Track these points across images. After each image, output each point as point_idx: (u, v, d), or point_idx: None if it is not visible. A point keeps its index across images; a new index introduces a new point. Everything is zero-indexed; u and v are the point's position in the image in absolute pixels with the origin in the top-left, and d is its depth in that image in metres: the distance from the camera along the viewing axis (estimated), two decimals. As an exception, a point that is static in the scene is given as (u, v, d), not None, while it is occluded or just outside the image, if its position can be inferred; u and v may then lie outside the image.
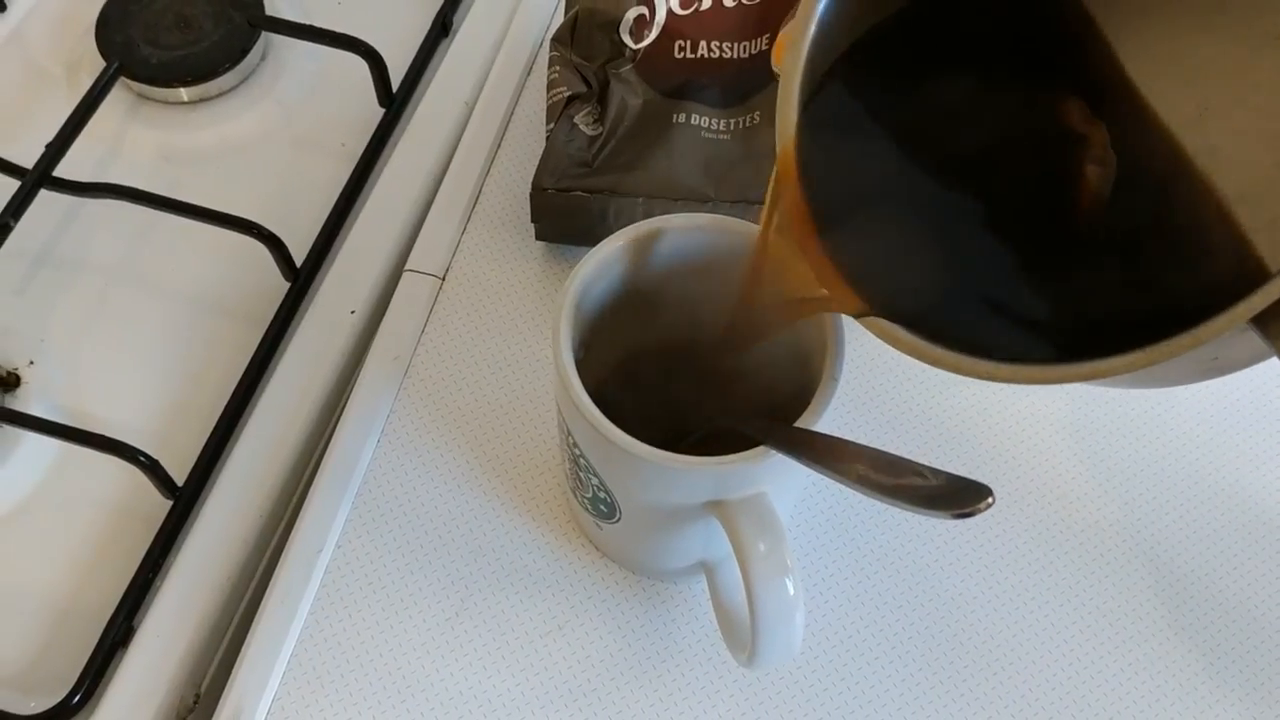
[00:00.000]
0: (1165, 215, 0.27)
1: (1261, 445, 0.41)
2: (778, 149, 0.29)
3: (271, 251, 0.45)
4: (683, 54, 0.45)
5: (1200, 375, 0.24)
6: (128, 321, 0.46)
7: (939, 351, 0.26)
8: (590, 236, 0.41)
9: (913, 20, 0.30)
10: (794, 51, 0.29)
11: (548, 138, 0.44)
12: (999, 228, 0.29)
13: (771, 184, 0.29)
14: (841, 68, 0.30)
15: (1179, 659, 0.37)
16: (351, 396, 0.42)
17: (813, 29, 0.29)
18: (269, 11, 0.52)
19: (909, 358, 0.26)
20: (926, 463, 0.26)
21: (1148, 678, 0.37)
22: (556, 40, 0.46)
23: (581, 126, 0.44)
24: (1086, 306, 0.27)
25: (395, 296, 0.45)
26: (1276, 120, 0.26)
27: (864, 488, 0.25)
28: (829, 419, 0.31)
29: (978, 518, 0.37)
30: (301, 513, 0.40)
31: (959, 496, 0.23)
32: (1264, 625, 0.38)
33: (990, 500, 0.22)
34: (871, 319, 0.27)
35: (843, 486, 0.35)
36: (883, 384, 0.42)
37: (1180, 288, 0.25)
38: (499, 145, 0.49)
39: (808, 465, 0.28)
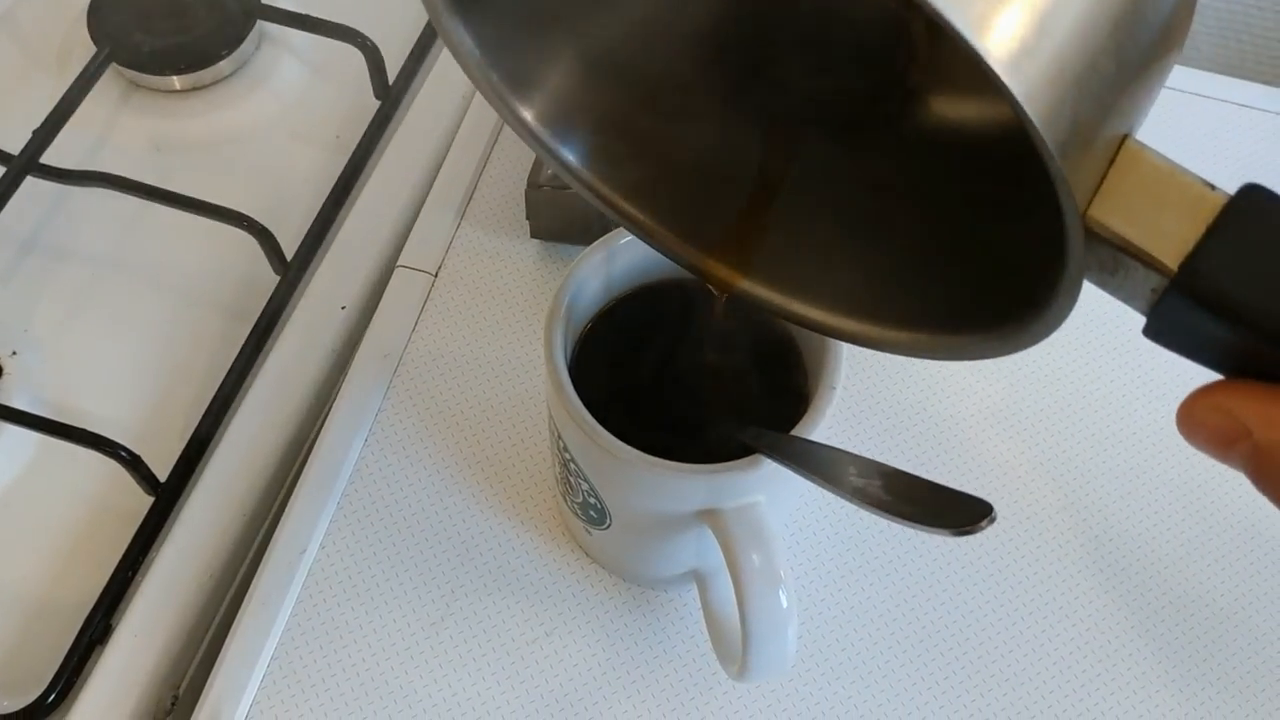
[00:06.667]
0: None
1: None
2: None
3: (261, 244, 0.44)
4: (684, 51, 0.44)
5: None
6: (114, 313, 0.45)
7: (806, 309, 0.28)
8: (586, 235, 0.41)
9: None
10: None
11: (545, 134, 0.43)
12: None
13: None
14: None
15: (1179, 676, 0.37)
16: (340, 394, 0.41)
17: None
18: (265, 0, 0.52)
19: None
20: (925, 472, 0.25)
21: (1145, 694, 0.36)
22: (556, 35, 0.46)
23: (579, 123, 0.43)
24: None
25: (387, 292, 0.44)
26: None
27: (862, 502, 0.24)
28: (826, 427, 0.30)
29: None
30: (285, 512, 0.39)
31: (959, 513, 0.22)
32: (1267, 641, 0.37)
33: (991, 518, 0.22)
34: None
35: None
36: (881, 392, 0.41)
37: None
38: (495, 140, 0.48)
39: (804, 476, 0.27)
